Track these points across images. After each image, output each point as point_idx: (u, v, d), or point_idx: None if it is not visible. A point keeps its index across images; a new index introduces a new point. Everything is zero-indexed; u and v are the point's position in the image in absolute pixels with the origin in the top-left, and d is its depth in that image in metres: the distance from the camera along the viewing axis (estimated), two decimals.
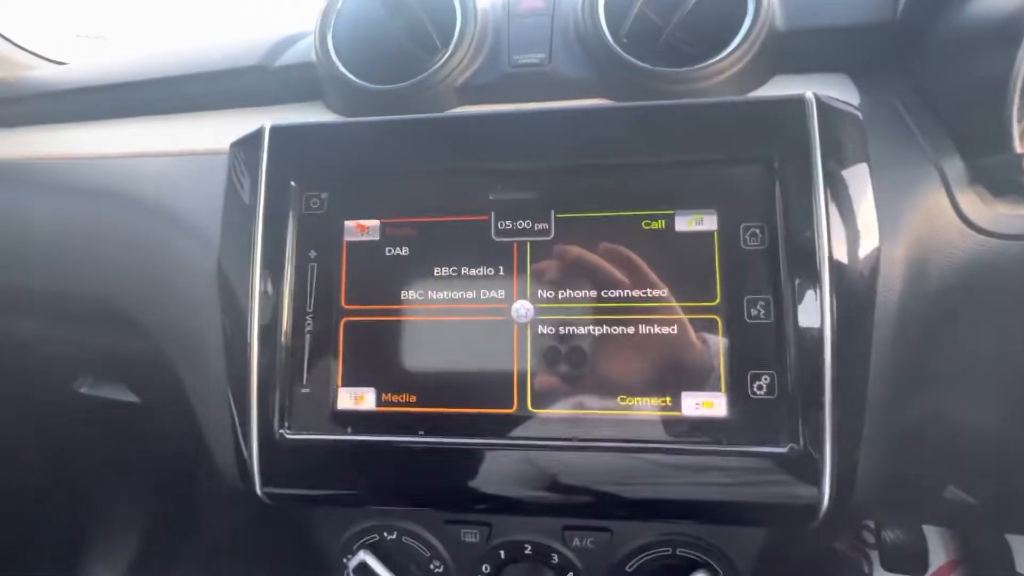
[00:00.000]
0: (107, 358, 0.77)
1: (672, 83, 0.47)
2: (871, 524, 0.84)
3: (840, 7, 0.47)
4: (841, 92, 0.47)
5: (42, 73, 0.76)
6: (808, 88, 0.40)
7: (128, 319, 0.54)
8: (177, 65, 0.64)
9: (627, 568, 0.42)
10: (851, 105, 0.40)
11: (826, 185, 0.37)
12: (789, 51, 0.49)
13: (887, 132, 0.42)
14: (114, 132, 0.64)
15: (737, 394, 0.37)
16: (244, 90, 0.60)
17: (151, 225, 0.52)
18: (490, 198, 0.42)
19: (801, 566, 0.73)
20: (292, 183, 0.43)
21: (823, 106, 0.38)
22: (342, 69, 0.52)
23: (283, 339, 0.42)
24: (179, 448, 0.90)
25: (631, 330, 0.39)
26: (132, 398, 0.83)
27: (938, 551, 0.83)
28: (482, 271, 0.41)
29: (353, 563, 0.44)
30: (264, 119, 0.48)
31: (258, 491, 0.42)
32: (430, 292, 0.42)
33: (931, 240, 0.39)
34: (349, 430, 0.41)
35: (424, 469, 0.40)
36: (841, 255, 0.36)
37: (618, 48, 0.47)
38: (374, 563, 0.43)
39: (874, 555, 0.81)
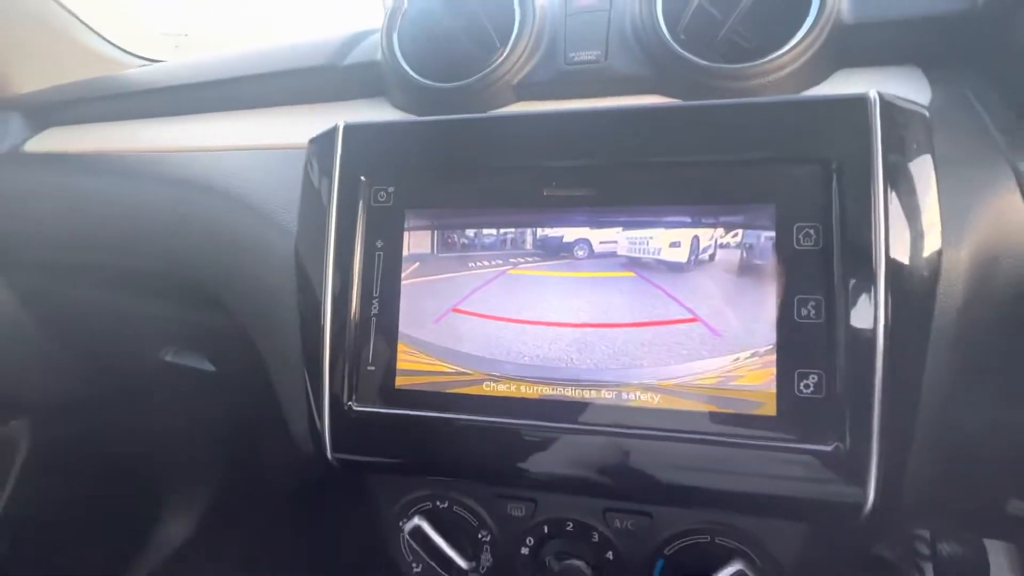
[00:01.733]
0: (191, 332, 0.85)
1: (731, 80, 0.47)
2: (926, 535, 0.81)
3: None
4: (910, 85, 0.45)
5: (137, 72, 0.85)
6: (875, 82, 0.39)
7: (214, 298, 0.61)
8: (256, 65, 0.69)
9: (665, 552, 0.44)
10: (918, 104, 0.39)
11: (886, 186, 0.36)
12: (855, 44, 0.47)
13: (959, 128, 0.41)
14: (200, 127, 0.71)
15: (784, 391, 0.37)
16: (316, 87, 0.65)
17: (234, 213, 0.57)
18: (544, 194, 0.44)
19: (847, 569, 0.72)
20: (362, 177, 0.47)
21: (887, 105, 0.37)
22: (406, 68, 0.55)
23: (352, 320, 0.46)
24: (250, 415, 0.98)
25: None
26: (209, 368, 0.92)
27: (1003, 568, 0.79)
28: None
29: (408, 527, 0.48)
30: (333, 115, 0.52)
31: (329, 456, 0.46)
32: None
33: (1000, 244, 0.37)
34: (407, 406, 0.45)
35: (477, 446, 0.43)
36: (899, 256, 0.36)
37: (675, 45, 0.47)
38: (428, 528, 0.47)
39: (928, 567, 0.78)
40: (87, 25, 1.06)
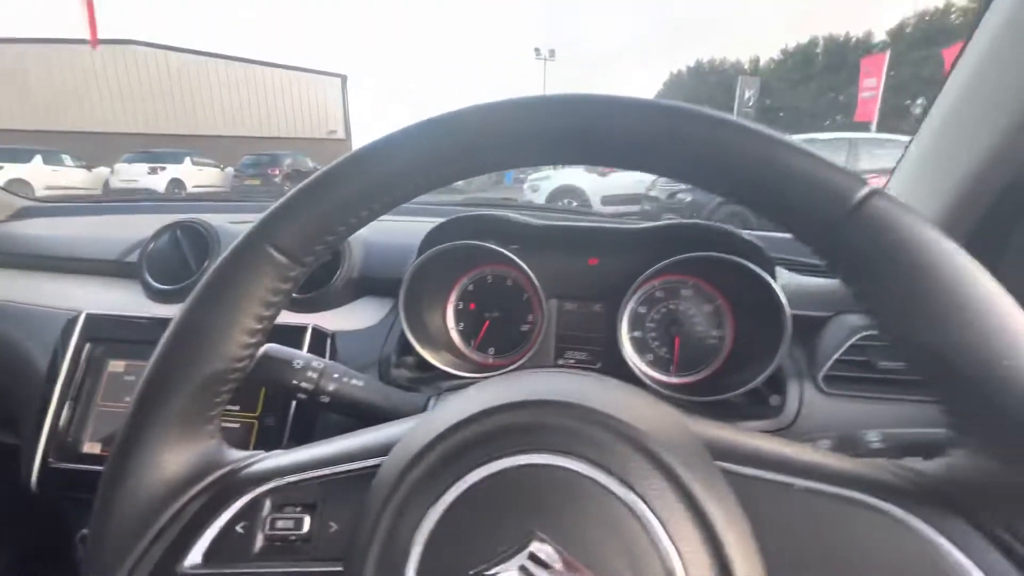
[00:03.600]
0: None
1: None
2: None
3: None
4: None
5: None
6: None
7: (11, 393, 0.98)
8: (81, 250, 1.14)
9: None
10: None
11: None
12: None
13: None
14: (44, 284, 1.12)
15: None
16: (115, 270, 1.10)
17: (32, 348, 0.97)
18: None
19: None
20: (88, 342, 0.90)
21: None
22: (146, 275, 1.01)
23: (64, 417, 0.86)
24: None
25: None
26: (15, 441, 1.24)
27: None
28: None
29: (79, 536, 0.85)
30: (118, 288, 0.97)
31: (33, 488, 0.84)
32: None
33: None
34: (80, 462, 0.84)
35: None
36: None
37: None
38: None
39: None
40: None
